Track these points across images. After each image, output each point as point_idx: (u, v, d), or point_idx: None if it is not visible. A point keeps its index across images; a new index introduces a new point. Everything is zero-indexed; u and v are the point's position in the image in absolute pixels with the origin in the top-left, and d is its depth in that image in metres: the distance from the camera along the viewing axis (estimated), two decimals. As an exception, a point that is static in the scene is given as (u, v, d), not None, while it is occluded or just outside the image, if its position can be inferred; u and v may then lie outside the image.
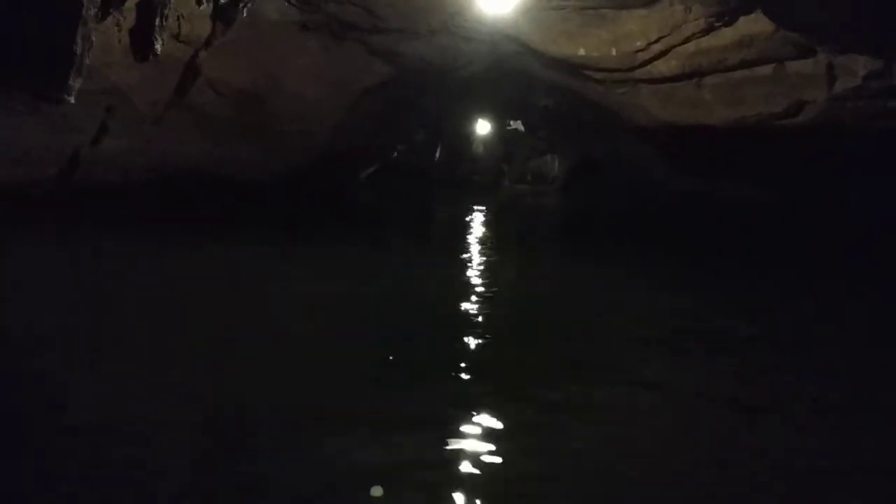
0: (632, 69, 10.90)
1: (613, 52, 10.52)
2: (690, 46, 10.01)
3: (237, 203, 14.55)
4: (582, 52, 10.76)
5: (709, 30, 9.59)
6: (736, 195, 13.60)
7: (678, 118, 11.75)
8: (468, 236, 13.32)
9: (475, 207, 19.04)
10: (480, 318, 6.74)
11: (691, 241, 12.68)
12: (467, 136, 24.85)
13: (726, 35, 9.62)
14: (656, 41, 10.07)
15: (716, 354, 5.87)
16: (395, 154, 24.06)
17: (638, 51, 10.36)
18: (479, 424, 4.05)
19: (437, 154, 25.43)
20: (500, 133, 24.88)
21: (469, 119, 23.82)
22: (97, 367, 4.94)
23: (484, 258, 10.48)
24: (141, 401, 4.31)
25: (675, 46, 10.09)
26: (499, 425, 4.07)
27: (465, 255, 10.62)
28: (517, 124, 24.55)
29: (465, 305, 7.17)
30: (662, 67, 10.67)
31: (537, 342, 6.21)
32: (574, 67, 11.66)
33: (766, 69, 10.16)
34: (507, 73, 14.65)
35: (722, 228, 14.34)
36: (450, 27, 11.48)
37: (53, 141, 10.60)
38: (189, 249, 10.22)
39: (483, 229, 14.90)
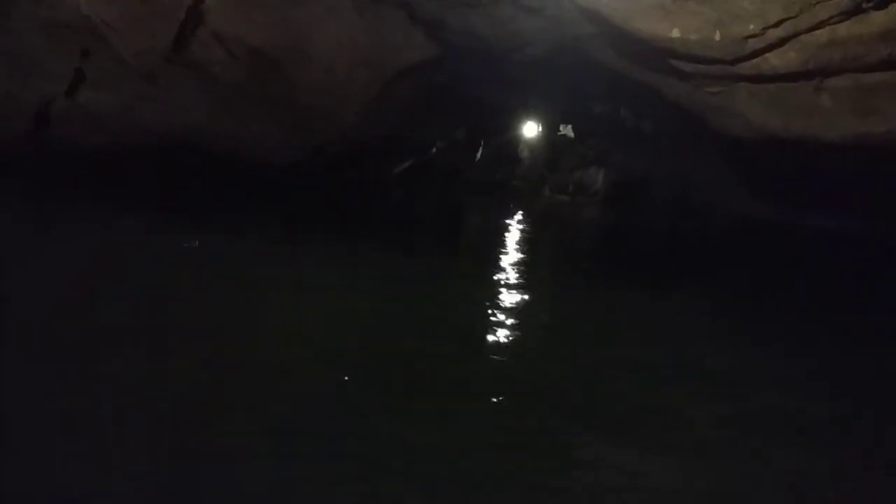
0: (736, 61, 8.38)
1: (717, 35, 8.02)
2: (822, 34, 7.50)
3: (244, 186, 12.31)
4: (676, 33, 8.25)
5: (854, 12, 7.08)
6: (833, 229, 11.01)
7: (784, 129, 9.19)
8: (500, 251, 11.34)
9: (512, 217, 16.85)
10: (490, 358, 5.80)
11: (745, 282, 10.48)
12: (513, 138, 22.36)
13: (875, 21, 7.11)
14: (776, 25, 7.56)
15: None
16: (434, 151, 21.83)
17: (750, 36, 7.85)
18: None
19: (479, 155, 23.05)
20: (548, 137, 22.36)
21: (517, 118, 21.33)
22: (65, 366, 4.44)
23: (512, 279, 8.93)
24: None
25: (800, 33, 7.57)
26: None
27: (492, 273, 9.16)
28: (567, 130, 22.04)
29: (476, 336, 6.26)
30: (777, 61, 8.14)
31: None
32: (658, 55, 9.16)
33: (917, 72, 7.63)
34: (569, 62, 12.16)
35: (796, 268, 11.83)
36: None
37: (16, 88, 8.41)
38: (182, 239, 8.54)
39: (516, 244, 12.69)
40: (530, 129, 22.07)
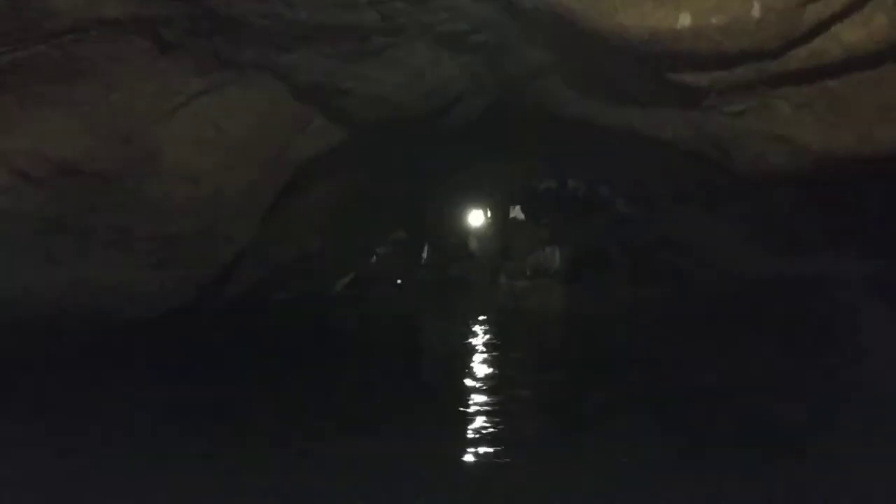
0: (784, 48, 4.96)
1: (755, 10, 4.61)
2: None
3: (106, 354, 8.46)
4: (686, 20, 4.83)
5: None
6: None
7: (856, 146, 5.72)
8: (465, 386, 8.17)
9: (471, 320, 13.87)
10: None
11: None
12: (459, 230, 19.00)
13: None
14: (856, -30, 4.20)
15: None
16: (374, 259, 18.47)
17: (809, 1, 4.46)
18: None
19: (425, 255, 19.69)
20: (497, 223, 19.05)
21: (459, 206, 18.01)
22: None
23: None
24: None
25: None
26: None
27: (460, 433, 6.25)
28: (517, 211, 18.80)
29: None
30: (851, 36, 4.78)
31: None
32: (652, 71, 5.71)
33: None
34: (515, 119, 8.76)
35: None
36: (416, 15, 5.61)
37: None
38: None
39: (482, 367, 9.20)
40: (476, 217, 18.73)
